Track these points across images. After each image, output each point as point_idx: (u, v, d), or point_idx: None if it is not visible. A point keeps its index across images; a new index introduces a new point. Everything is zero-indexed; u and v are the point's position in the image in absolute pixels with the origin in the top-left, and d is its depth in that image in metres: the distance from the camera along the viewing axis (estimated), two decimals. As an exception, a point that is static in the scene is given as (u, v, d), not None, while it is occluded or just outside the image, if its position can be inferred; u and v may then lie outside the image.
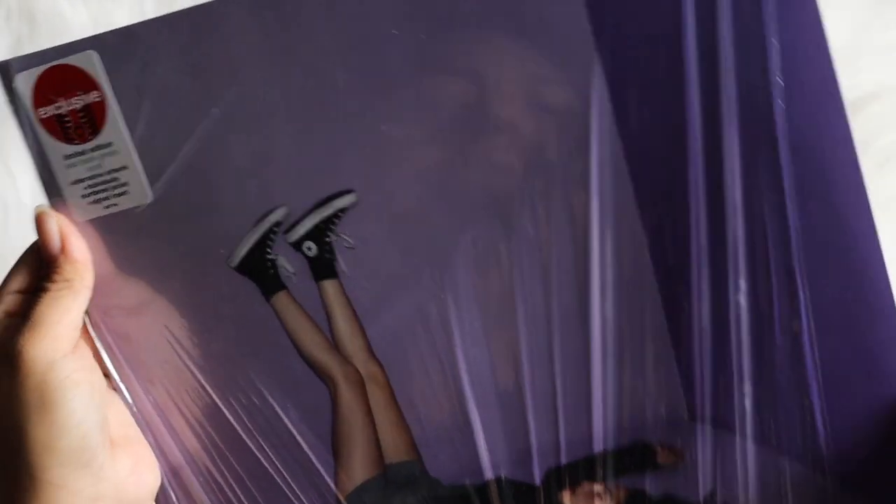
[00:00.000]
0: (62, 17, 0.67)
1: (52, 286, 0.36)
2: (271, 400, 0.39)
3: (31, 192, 0.66)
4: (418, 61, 0.36)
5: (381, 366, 0.39)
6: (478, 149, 0.37)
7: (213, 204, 0.38)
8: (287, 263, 0.38)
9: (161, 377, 0.39)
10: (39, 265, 0.37)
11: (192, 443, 0.39)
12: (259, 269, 0.38)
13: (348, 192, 0.38)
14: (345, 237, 0.38)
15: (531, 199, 0.37)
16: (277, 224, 0.38)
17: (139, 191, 0.37)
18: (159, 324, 0.38)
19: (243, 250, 0.38)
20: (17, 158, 0.66)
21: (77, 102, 0.36)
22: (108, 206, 0.37)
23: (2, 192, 0.65)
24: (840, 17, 0.72)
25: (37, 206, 0.37)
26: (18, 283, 0.37)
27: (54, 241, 0.37)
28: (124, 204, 0.37)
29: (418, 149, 0.38)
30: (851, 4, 0.72)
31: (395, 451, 0.39)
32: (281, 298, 0.39)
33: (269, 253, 0.38)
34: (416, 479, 0.39)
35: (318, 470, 0.39)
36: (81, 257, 0.37)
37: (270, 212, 0.38)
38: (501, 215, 0.38)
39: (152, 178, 0.37)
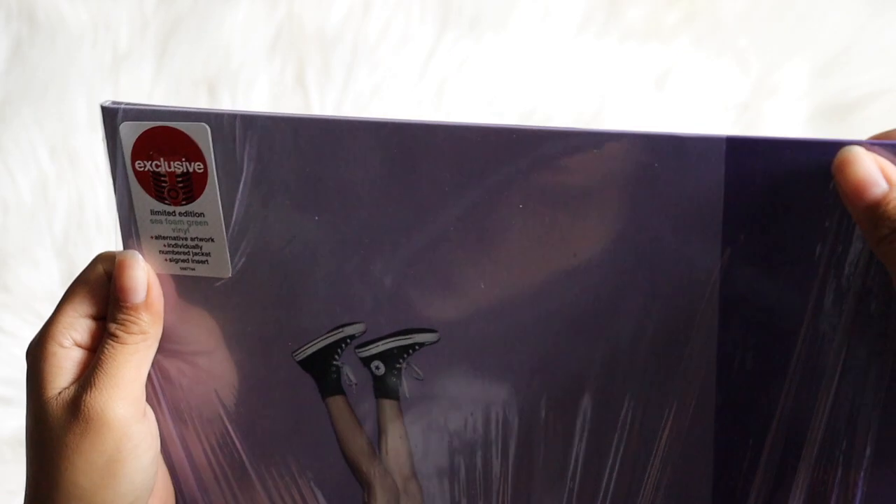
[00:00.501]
0: (62, 17, 0.67)
1: (129, 337, 0.35)
2: (302, 485, 0.40)
3: (31, 191, 0.66)
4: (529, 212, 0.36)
5: (420, 488, 0.40)
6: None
7: (292, 298, 0.38)
8: (351, 373, 0.39)
9: (196, 423, 0.39)
10: (107, 296, 0.36)
11: (215, 490, 0.39)
12: (322, 370, 0.39)
13: (432, 331, 0.38)
14: (415, 368, 0.39)
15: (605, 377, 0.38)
16: (352, 337, 0.38)
17: (220, 265, 0.37)
18: (208, 381, 0.39)
19: (312, 349, 0.38)
20: (18, 158, 0.66)
21: (178, 167, 0.36)
22: (184, 268, 0.37)
23: (2, 191, 0.65)
24: (840, 17, 0.72)
25: (125, 252, 0.36)
26: (87, 307, 0.36)
27: (139, 291, 0.36)
28: (202, 271, 0.37)
29: (510, 308, 0.38)
30: (851, 4, 0.72)
31: None
32: (337, 402, 0.39)
33: (335, 359, 0.39)
34: None
35: None
36: (161, 310, 0.36)
37: (348, 324, 0.38)
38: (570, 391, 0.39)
39: (235, 255, 0.37)
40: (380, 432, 0.39)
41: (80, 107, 0.67)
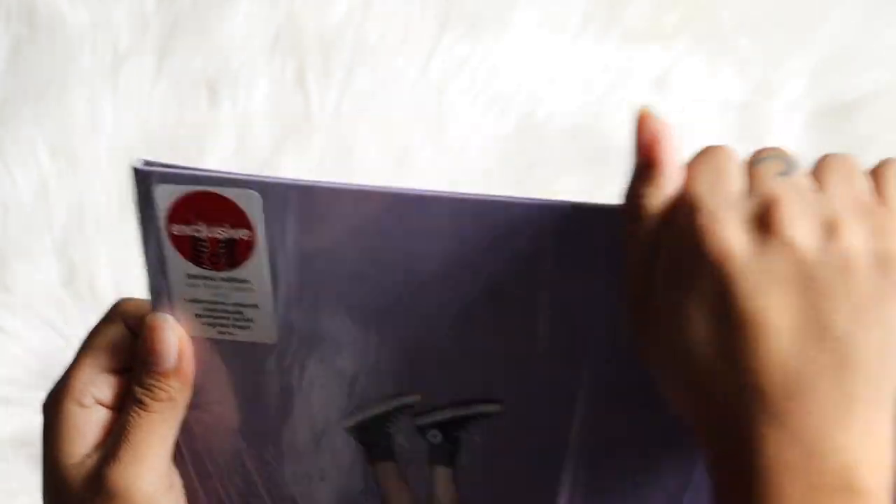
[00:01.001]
0: (62, 17, 0.67)
1: (156, 405, 0.33)
2: None
3: (31, 192, 0.66)
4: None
5: None
6: None
7: (342, 368, 0.36)
8: (405, 441, 0.37)
9: (218, 468, 0.37)
10: (129, 348, 0.34)
11: None
12: (373, 437, 0.37)
13: (496, 401, 0.37)
14: (476, 437, 0.37)
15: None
16: (408, 406, 0.37)
17: (265, 331, 0.35)
18: (225, 426, 0.37)
19: (362, 417, 0.37)
20: (18, 158, 0.66)
21: (221, 234, 0.33)
22: (222, 333, 0.34)
23: (2, 191, 0.65)
24: (840, 17, 0.72)
25: (155, 315, 0.34)
26: (107, 361, 0.35)
27: (170, 356, 0.33)
28: (243, 337, 0.34)
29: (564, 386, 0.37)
30: (851, 4, 0.72)
31: None
32: (387, 468, 0.38)
33: (388, 427, 0.37)
34: None
35: None
36: (191, 376, 0.34)
37: (404, 394, 0.37)
38: None
39: (281, 321, 0.35)
40: (430, 498, 0.38)
41: (81, 107, 0.67)
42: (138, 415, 0.33)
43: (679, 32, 0.71)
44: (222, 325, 0.34)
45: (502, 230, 0.34)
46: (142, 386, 0.33)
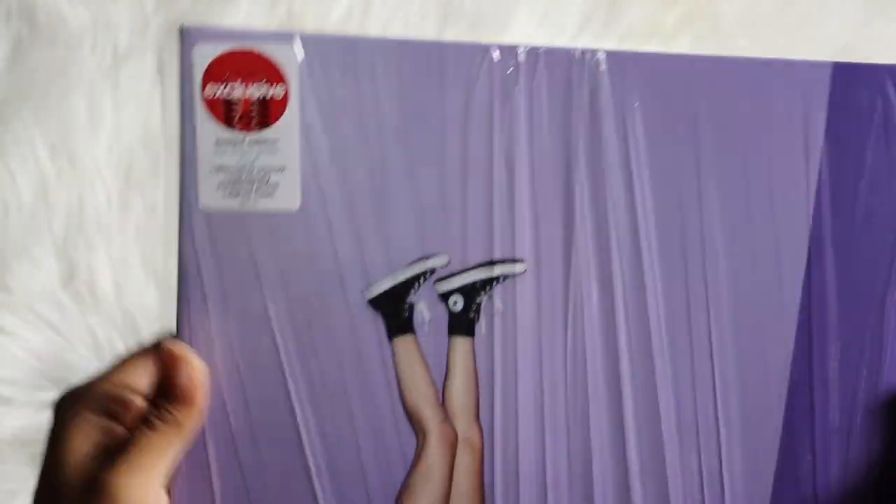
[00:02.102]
0: (62, 17, 0.67)
1: (163, 426, 0.35)
2: (350, 430, 0.38)
3: (31, 191, 0.66)
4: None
5: (481, 433, 0.38)
6: None
7: (366, 231, 0.36)
8: (426, 310, 0.37)
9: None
10: (157, 377, 0.35)
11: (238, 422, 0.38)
12: (394, 309, 0.37)
13: (520, 261, 0.37)
14: (498, 301, 0.37)
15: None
16: (432, 271, 0.37)
17: (289, 196, 0.34)
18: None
19: (385, 286, 0.37)
20: (18, 158, 0.66)
21: (255, 92, 0.34)
22: (243, 204, 0.34)
23: (2, 191, 0.65)
24: (840, 17, 0.72)
25: (176, 345, 0.35)
26: (136, 383, 0.35)
27: (195, 392, 0.35)
28: (265, 205, 0.34)
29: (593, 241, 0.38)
30: (851, 4, 0.72)
31: None
32: (405, 341, 0.37)
33: (410, 295, 0.37)
34: None
35: None
36: (203, 406, 0.35)
37: (430, 257, 0.37)
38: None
39: (305, 186, 0.35)
40: (448, 372, 0.38)
41: (81, 107, 0.67)
42: (147, 436, 0.34)
43: (679, 32, 0.71)
44: (245, 194, 0.34)
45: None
46: (158, 411, 0.35)
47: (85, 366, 0.63)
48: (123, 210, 0.66)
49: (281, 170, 0.34)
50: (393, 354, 0.37)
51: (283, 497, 0.37)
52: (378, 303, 0.37)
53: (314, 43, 0.34)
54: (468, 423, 0.38)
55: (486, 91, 0.36)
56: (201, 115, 0.33)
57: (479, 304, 0.37)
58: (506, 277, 0.37)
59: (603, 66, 0.36)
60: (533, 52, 0.36)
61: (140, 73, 0.68)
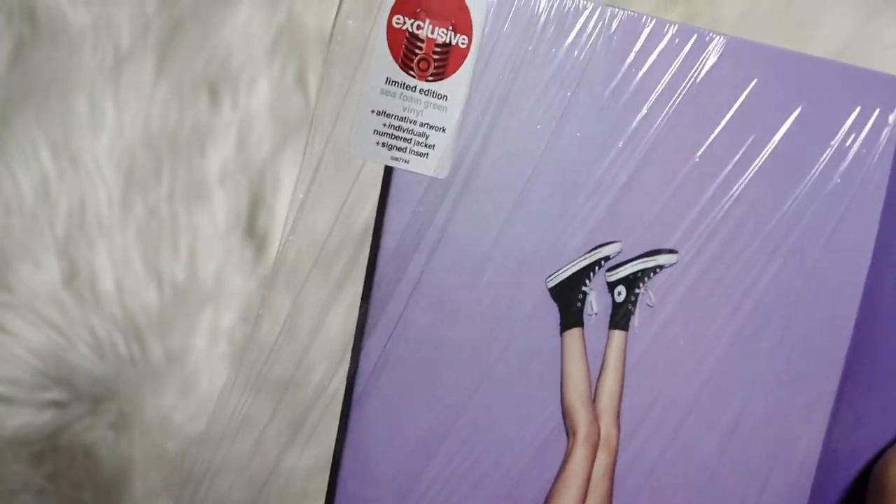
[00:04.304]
0: (63, 18, 0.68)
1: None
2: (512, 425, 0.37)
3: (32, 191, 0.66)
4: None
5: (619, 432, 0.38)
6: None
7: (535, 213, 0.34)
8: (595, 302, 0.36)
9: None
10: None
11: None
12: (570, 299, 0.36)
13: (673, 251, 0.36)
14: (651, 294, 0.36)
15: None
16: (606, 258, 0.36)
17: (441, 161, 0.32)
18: None
19: (567, 273, 0.35)
20: (19, 158, 0.66)
21: (442, 35, 0.31)
22: (395, 158, 0.32)
23: (3, 192, 0.66)
24: (840, 17, 0.72)
25: None
26: None
27: None
28: (415, 165, 0.32)
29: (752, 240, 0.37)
30: (851, 4, 0.72)
31: None
32: (574, 335, 0.37)
33: (586, 284, 0.36)
34: None
35: None
36: None
37: (607, 244, 0.36)
38: None
39: (467, 154, 0.32)
40: (603, 368, 0.37)
41: (82, 107, 0.67)
42: None
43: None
44: (400, 149, 0.32)
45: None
46: None
47: (86, 366, 0.63)
48: (125, 210, 0.66)
49: (442, 130, 0.32)
50: (562, 348, 0.36)
51: (437, 479, 0.36)
52: (557, 293, 0.36)
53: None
54: (611, 421, 0.38)
55: (679, 75, 0.34)
56: (381, 48, 0.31)
57: (637, 296, 0.36)
58: (661, 268, 0.36)
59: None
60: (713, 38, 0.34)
61: (141, 73, 0.68)
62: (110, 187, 0.66)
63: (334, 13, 0.64)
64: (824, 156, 0.37)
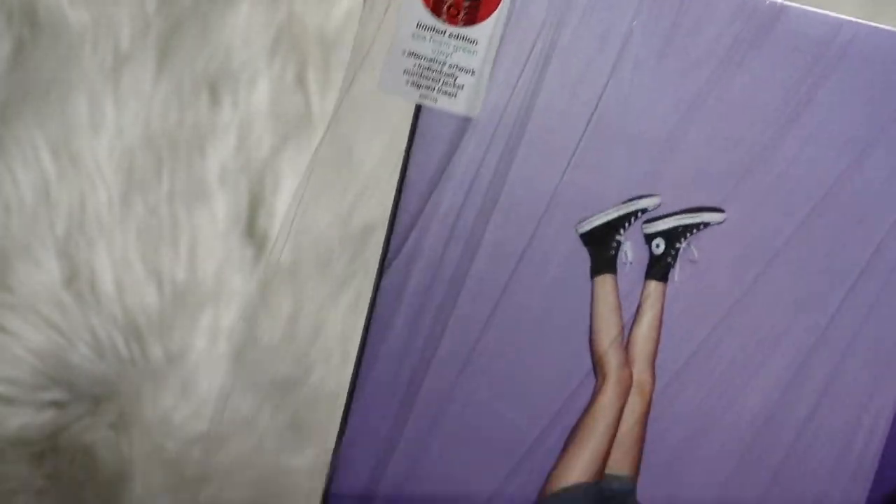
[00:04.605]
0: (63, 17, 0.68)
1: None
2: (538, 361, 0.37)
3: (32, 192, 0.66)
4: None
5: (654, 379, 0.39)
6: None
7: (583, 160, 0.35)
8: (630, 251, 0.37)
9: None
10: None
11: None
12: (603, 245, 0.36)
13: (720, 210, 0.37)
14: (694, 249, 0.37)
15: None
16: (644, 210, 0.37)
17: (471, 101, 0.33)
18: None
19: (599, 221, 0.36)
20: (19, 158, 0.66)
21: None
22: (423, 97, 0.34)
23: (3, 192, 0.66)
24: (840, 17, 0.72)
25: None
26: None
27: None
28: (445, 104, 0.34)
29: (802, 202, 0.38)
30: (851, 4, 0.72)
31: (619, 463, 0.39)
32: (607, 280, 0.37)
33: (619, 234, 0.37)
34: (624, 498, 0.39)
35: (530, 454, 0.38)
36: None
37: (643, 197, 0.36)
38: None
39: (508, 96, 0.33)
40: (637, 316, 0.38)
41: (82, 107, 0.67)
42: None
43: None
44: (428, 87, 0.34)
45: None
46: None
47: (86, 366, 0.63)
48: (125, 210, 0.66)
49: (471, 72, 0.33)
50: (592, 292, 0.37)
51: (463, 417, 0.37)
52: (588, 237, 0.37)
53: None
54: (644, 367, 0.38)
55: (742, 36, 0.35)
56: None
57: (678, 250, 0.37)
58: (707, 225, 0.37)
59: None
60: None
61: (141, 73, 0.68)
62: (110, 187, 0.66)
63: (335, 10, 0.64)
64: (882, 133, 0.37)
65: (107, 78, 0.67)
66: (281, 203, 0.63)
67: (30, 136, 0.66)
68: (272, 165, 0.66)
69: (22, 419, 0.62)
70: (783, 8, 0.35)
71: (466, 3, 0.32)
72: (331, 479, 0.37)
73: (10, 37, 0.66)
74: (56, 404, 0.63)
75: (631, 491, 0.39)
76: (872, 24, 0.35)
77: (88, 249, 0.65)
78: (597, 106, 0.34)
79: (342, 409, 0.38)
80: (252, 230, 0.64)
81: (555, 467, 0.38)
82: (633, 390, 0.38)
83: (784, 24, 0.36)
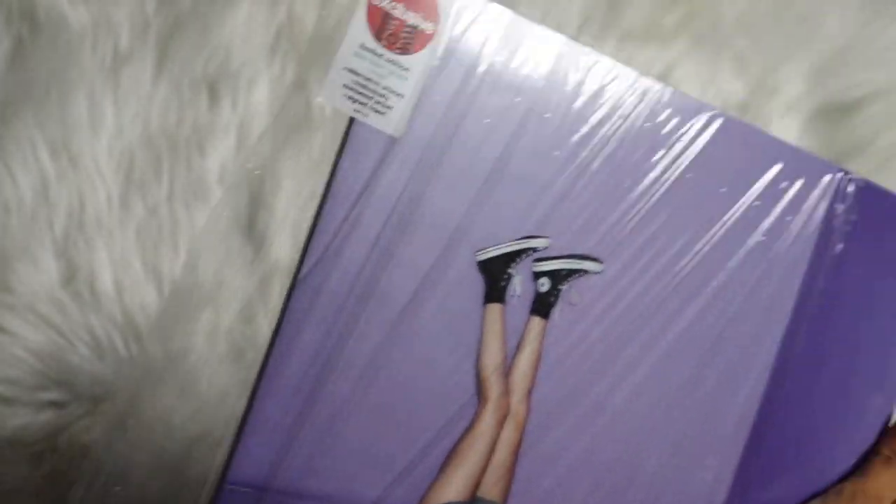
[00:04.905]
0: (63, 17, 0.67)
1: None
2: (419, 386, 0.40)
3: (31, 192, 0.66)
4: None
5: (528, 412, 0.41)
6: None
7: (486, 197, 0.39)
8: (518, 285, 0.41)
9: None
10: None
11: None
12: (496, 275, 0.40)
13: (599, 261, 0.41)
14: (575, 293, 0.41)
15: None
16: (534, 249, 0.40)
17: (398, 122, 0.38)
18: None
19: (495, 253, 0.40)
20: (18, 158, 0.66)
21: (410, 18, 0.37)
22: (356, 111, 0.38)
23: (2, 192, 0.66)
24: (840, 17, 0.72)
25: None
26: None
27: None
28: (373, 120, 0.38)
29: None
30: (851, 4, 0.72)
31: (489, 488, 0.40)
32: (495, 309, 0.41)
33: (511, 267, 0.40)
34: None
35: (412, 467, 0.40)
36: None
37: (536, 237, 0.40)
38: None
39: (413, 123, 0.37)
40: (519, 347, 0.41)
41: (81, 107, 0.67)
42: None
43: (678, 32, 0.71)
44: (362, 104, 0.38)
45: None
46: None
47: (86, 366, 0.63)
48: (124, 210, 0.66)
49: (401, 96, 0.37)
50: (483, 318, 0.40)
51: (358, 424, 0.40)
52: (484, 267, 0.40)
53: (473, 3, 0.38)
54: (521, 399, 0.41)
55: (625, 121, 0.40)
56: (359, 17, 0.37)
57: (559, 291, 0.40)
58: (586, 272, 0.40)
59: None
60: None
61: (141, 73, 0.68)
62: (109, 187, 0.66)
63: (335, 11, 0.64)
64: (743, 208, 0.42)
65: (106, 78, 0.67)
66: (281, 203, 0.63)
67: (29, 136, 0.66)
68: (272, 165, 0.66)
69: (21, 419, 0.62)
70: (670, 95, 0.41)
71: (404, 34, 0.37)
72: (227, 468, 0.39)
73: (9, 36, 0.66)
74: (55, 404, 0.63)
75: None
76: (737, 117, 0.40)
77: (87, 249, 0.65)
78: (504, 150, 0.39)
79: (244, 403, 0.40)
80: (252, 230, 0.64)
81: (433, 483, 0.40)
82: (509, 419, 0.41)
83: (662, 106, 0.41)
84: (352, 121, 0.37)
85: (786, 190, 0.42)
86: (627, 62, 0.70)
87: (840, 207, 0.44)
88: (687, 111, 0.40)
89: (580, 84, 0.39)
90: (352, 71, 0.37)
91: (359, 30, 0.37)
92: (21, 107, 0.66)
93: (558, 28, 0.70)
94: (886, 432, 0.43)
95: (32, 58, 0.66)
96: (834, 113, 0.70)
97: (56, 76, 0.66)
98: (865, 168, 0.69)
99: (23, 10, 0.66)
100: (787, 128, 0.70)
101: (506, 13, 0.37)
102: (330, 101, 0.37)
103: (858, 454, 0.42)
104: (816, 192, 0.42)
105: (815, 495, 0.41)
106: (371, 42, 0.37)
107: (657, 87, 0.40)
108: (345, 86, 0.38)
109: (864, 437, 0.42)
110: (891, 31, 0.72)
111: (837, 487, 0.41)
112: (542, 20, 0.71)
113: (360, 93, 0.38)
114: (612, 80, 0.40)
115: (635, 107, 0.40)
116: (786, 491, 0.41)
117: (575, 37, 0.71)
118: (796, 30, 0.72)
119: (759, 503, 0.40)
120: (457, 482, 0.40)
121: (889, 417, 0.43)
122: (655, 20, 0.71)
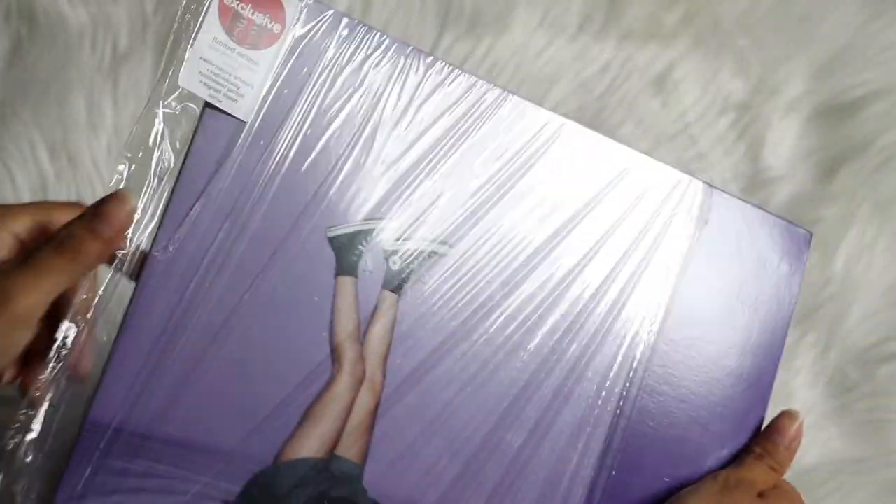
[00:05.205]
0: (62, 17, 0.67)
1: (69, 252, 0.38)
2: (274, 347, 0.42)
3: (30, 191, 0.66)
4: None
5: (383, 380, 0.43)
6: None
7: (333, 180, 0.43)
8: (370, 261, 0.43)
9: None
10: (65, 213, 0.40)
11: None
12: (346, 250, 0.43)
13: (448, 244, 0.44)
14: (425, 273, 0.44)
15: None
16: (383, 229, 0.43)
17: (248, 109, 0.42)
18: None
19: (345, 231, 0.43)
20: (17, 158, 0.66)
21: (258, 19, 0.42)
22: (211, 96, 0.41)
23: (1, 192, 0.65)
24: (840, 17, 0.72)
25: (125, 192, 0.41)
26: (46, 216, 0.41)
27: (112, 224, 0.40)
28: (227, 106, 0.41)
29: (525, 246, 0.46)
30: (851, 4, 0.72)
31: (347, 448, 0.43)
32: (347, 282, 0.43)
33: (363, 245, 0.43)
34: (350, 479, 0.43)
35: (268, 421, 0.43)
36: (114, 241, 0.40)
37: (383, 219, 0.43)
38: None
39: (279, 112, 0.42)
40: (372, 319, 0.43)
41: (80, 106, 0.67)
42: (48, 252, 0.38)
43: (679, 32, 0.71)
44: (214, 90, 0.41)
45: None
46: (69, 231, 0.39)
47: (84, 366, 0.63)
48: (123, 210, 0.66)
49: (250, 86, 0.41)
50: (334, 291, 0.43)
51: (217, 372, 0.42)
52: (334, 243, 0.43)
53: (318, 10, 0.43)
54: (376, 366, 0.43)
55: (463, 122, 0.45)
56: (212, 15, 0.41)
57: (411, 270, 0.43)
58: (437, 254, 0.44)
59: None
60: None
61: (140, 72, 0.68)
62: (109, 187, 0.65)
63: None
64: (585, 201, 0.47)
65: (105, 77, 0.67)
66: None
67: (28, 136, 0.66)
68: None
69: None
70: (506, 97, 0.44)
71: (253, 31, 0.41)
72: (90, 405, 0.40)
73: (7, 35, 0.66)
74: (54, 405, 0.63)
75: (358, 476, 0.43)
76: (577, 124, 0.46)
77: (87, 249, 0.65)
78: (359, 136, 0.43)
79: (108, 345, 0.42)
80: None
81: (289, 438, 0.42)
82: (365, 385, 0.43)
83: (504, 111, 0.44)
84: (205, 106, 0.41)
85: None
86: (628, 62, 0.70)
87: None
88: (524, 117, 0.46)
89: (419, 85, 0.44)
90: (207, 61, 0.41)
91: (213, 25, 0.42)
92: (19, 106, 0.65)
93: (559, 28, 0.70)
94: (759, 434, 0.46)
95: (31, 57, 0.66)
96: (834, 113, 0.70)
97: (55, 75, 0.66)
98: (865, 168, 0.69)
99: (22, 9, 0.66)
100: (787, 128, 0.70)
101: (345, 20, 0.43)
102: (187, 85, 0.41)
103: (732, 454, 0.46)
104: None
105: (687, 484, 0.45)
106: (224, 37, 0.42)
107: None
108: (200, 73, 0.41)
109: (739, 440, 0.46)
110: (891, 31, 0.72)
111: (713, 475, 0.45)
112: (543, 20, 0.71)
113: (215, 80, 0.41)
114: (452, 81, 0.44)
115: (472, 105, 0.46)
116: (658, 474, 0.44)
117: (575, 36, 0.71)
118: (796, 30, 0.72)
119: (628, 483, 0.43)
120: (313, 439, 0.42)
121: (762, 421, 0.47)
122: (656, 20, 0.71)
